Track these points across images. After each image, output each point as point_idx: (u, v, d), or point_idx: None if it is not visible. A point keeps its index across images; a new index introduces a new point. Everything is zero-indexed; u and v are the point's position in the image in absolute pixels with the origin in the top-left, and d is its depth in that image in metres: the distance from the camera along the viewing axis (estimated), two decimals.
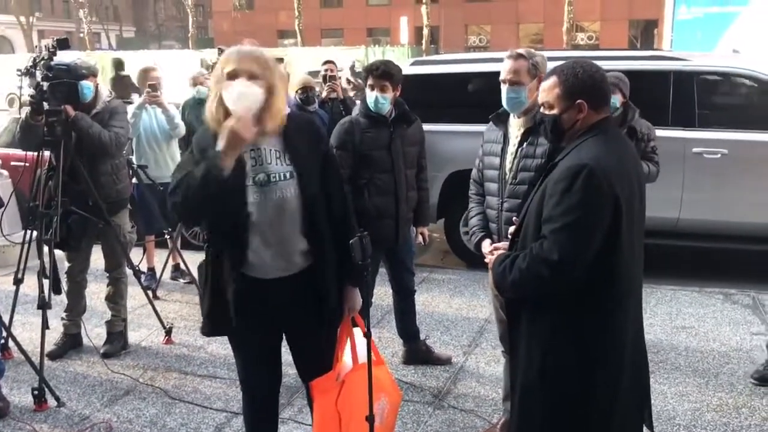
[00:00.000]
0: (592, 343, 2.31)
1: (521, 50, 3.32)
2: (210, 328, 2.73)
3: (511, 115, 3.31)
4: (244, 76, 2.42)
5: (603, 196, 2.19)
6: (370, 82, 3.93)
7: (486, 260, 2.79)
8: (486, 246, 3.17)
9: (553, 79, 2.38)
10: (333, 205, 2.67)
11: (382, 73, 3.91)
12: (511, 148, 3.26)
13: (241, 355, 2.83)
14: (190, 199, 2.40)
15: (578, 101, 2.33)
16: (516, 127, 3.27)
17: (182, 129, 5.94)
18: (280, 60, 7.29)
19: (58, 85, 4.16)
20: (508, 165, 3.26)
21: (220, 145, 2.35)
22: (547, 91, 2.41)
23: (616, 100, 4.57)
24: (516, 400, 2.50)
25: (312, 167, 2.60)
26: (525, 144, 3.20)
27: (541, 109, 2.46)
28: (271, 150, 2.55)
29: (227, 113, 2.43)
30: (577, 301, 2.28)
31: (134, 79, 6.71)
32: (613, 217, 2.20)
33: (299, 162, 2.57)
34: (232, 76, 2.43)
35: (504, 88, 3.23)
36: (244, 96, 2.39)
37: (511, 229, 2.59)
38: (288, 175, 2.54)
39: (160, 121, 5.85)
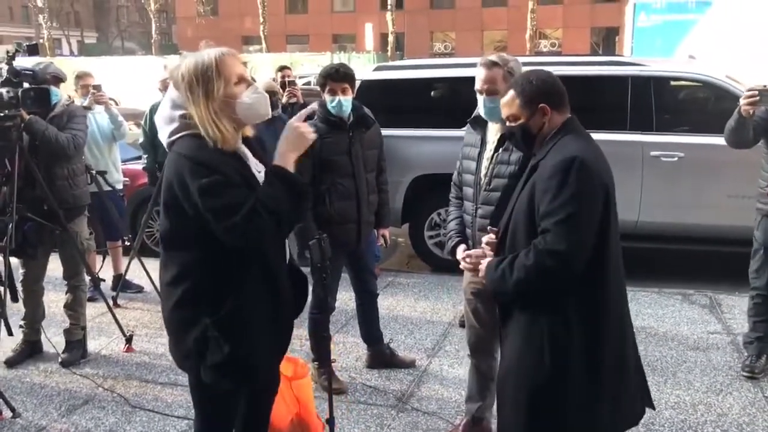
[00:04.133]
0: (593, 340, 2.33)
1: (494, 57, 3.22)
2: None
3: None
4: (250, 80, 2.31)
5: (596, 186, 2.27)
6: (329, 86, 3.91)
7: (461, 266, 2.80)
8: (459, 252, 3.15)
9: (510, 93, 2.48)
10: None
11: (343, 75, 3.91)
12: (488, 153, 3.25)
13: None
14: (284, 220, 2.21)
15: (540, 105, 2.41)
16: (493, 131, 3.25)
17: (126, 130, 5.98)
18: (244, 64, 7.20)
19: (29, 91, 4.12)
20: (483, 170, 3.25)
21: (284, 150, 2.24)
22: (508, 105, 2.49)
23: None
24: (508, 398, 2.48)
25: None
26: (501, 149, 3.19)
27: (506, 123, 2.53)
28: (250, 157, 2.43)
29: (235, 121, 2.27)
30: (574, 299, 2.31)
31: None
32: (604, 207, 2.27)
33: (265, 162, 2.48)
34: (239, 81, 2.27)
35: (481, 98, 3.19)
36: (261, 101, 2.28)
37: (485, 238, 2.60)
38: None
39: (101, 125, 5.83)
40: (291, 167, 2.23)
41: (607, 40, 38.42)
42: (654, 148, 5.94)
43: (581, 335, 2.32)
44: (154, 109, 6.35)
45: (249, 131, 2.39)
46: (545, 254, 2.26)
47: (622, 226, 6.66)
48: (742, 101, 3.90)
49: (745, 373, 4.21)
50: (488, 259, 2.53)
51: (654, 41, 16.12)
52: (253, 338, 2.31)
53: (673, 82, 6.51)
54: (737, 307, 5.29)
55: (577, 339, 2.31)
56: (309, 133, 2.28)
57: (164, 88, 6.43)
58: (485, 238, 2.60)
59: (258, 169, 2.35)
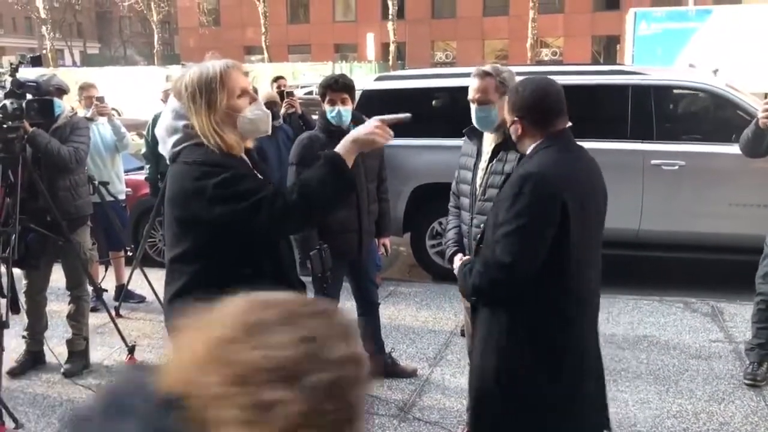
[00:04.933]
0: (548, 347, 2.35)
1: (487, 68, 3.27)
2: None
3: None
4: (253, 94, 2.29)
5: (550, 201, 2.27)
6: (329, 97, 3.93)
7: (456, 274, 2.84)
8: (456, 261, 3.17)
9: (506, 97, 2.56)
10: None
11: (343, 85, 3.94)
12: (483, 164, 3.28)
13: None
14: (314, 201, 2.17)
15: (517, 117, 2.43)
16: (488, 141, 3.28)
17: (129, 141, 5.98)
18: (246, 74, 7.22)
19: (32, 102, 4.15)
20: (479, 180, 3.28)
21: (349, 144, 2.24)
22: (503, 108, 2.57)
23: None
24: (471, 404, 2.54)
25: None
26: (495, 160, 3.21)
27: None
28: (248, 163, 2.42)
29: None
30: (530, 306, 2.34)
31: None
32: (562, 222, 2.26)
33: (265, 173, 2.49)
34: (241, 94, 2.26)
35: (473, 107, 3.22)
36: (265, 120, 2.27)
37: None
38: None
39: (104, 136, 5.85)
40: (350, 159, 2.22)
41: (608, 48, 38.51)
42: (655, 157, 5.94)
43: (537, 344, 2.35)
44: (156, 120, 6.38)
45: (250, 143, 2.39)
46: (491, 265, 2.33)
47: (622, 235, 6.67)
48: (760, 114, 4.00)
49: (747, 381, 4.21)
50: (460, 260, 2.60)
51: (654, 50, 16.17)
52: None
53: (673, 91, 6.53)
54: (739, 316, 5.29)
55: (531, 347, 2.34)
56: (384, 136, 2.27)
57: (167, 98, 6.46)
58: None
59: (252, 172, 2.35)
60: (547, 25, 36.15)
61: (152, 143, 6.03)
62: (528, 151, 2.44)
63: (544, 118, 2.41)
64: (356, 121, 4.04)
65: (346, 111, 3.95)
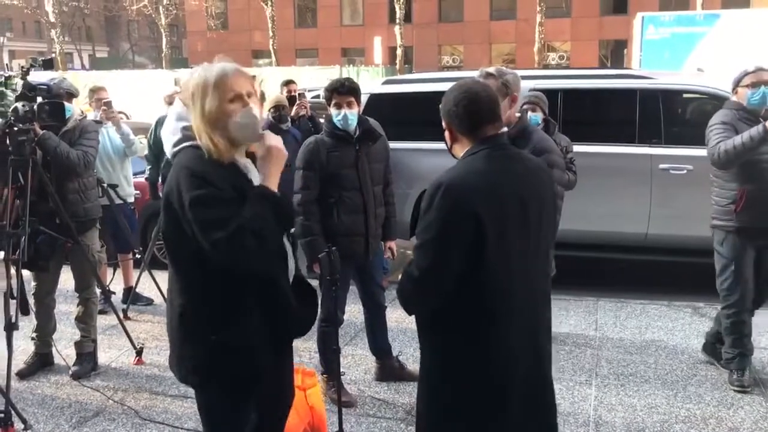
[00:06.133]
0: (462, 369, 2.27)
1: (491, 69, 3.31)
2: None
3: None
4: (247, 99, 2.27)
5: (459, 213, 2.17)
6: (335, 100, 3.93)
7: None
8: None
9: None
10: None
11: (348, 89, 3.94)
12: None
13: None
14: (270, 242, 2.19)
15: (445, 122, 2.39)
16: None
17: (138, 147, 5.98)
18: (253, 78, 7.25)
19: (44, 105, 4.18)
20: None
21: (269, 171, 2.25)
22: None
23: (538, 117, 4.88)
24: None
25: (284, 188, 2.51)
26: None
27: None
28: (246, 165, 2.40)
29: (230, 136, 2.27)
30: (445, 322, 2.27)
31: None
32: (476, 234, 2.16)
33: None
34: (234, 99, 2.26)
35: None
36: (253, 126, 2.26)
37: None
38: None
39: (113, 140, 5.87)
40: (275, 187, 2.24)
41: (616, 53, 38.41)
42: (663, 161, 5.94)
43: (457, 358, 2.27)
44: (160, 123, 6.42)
45: (254, 147, 2.35)
46: (405, 276, 2.29)
47: (630, 239, 6.66)
48: None
49: (735, 388, 4.20)
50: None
51: (662, 54, 16.12)
52: (258, 358, 2.31)
53: (681, 95, 6.52)
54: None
55: (452, 361, 2.28)
56: (282, 148, 2.29)
57: (170, 102, 6.49)
58: None
59: (252, 177, 2.33)
60: (555, 29, 36.10)
61: (155, 146, 6.06)
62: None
63: (472, 124, 2.32)
64: (363, 124, 4.06)
65: (352, 114, 3.95)
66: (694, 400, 4.09)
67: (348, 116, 3.94)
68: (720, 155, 4.03)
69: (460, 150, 2.36)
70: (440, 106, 2.39)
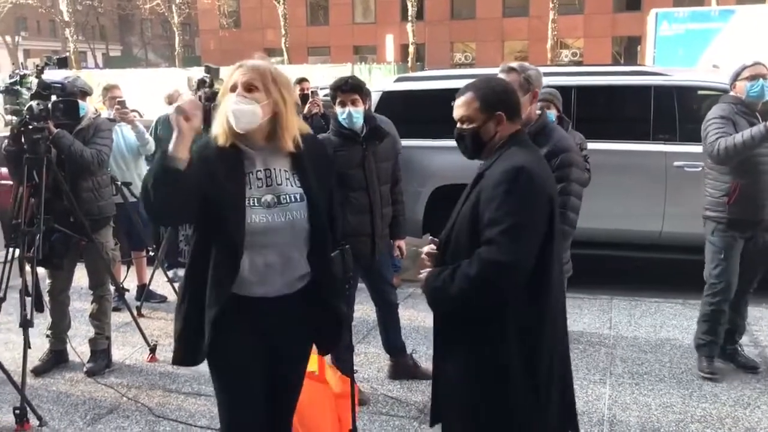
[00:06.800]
0: (533, 350, 2.30)
1: (514, 64, 3.29)
2: (182, 355, 2.50)
3: None
4: (243, 89, 2.37)
5: (541, 197, 2.23)
6: (340, 98, 3.90)
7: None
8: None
9: (469, 95, 2.42)
10: (334, 227, 2.65)
11: (352, 86, 3.91)
12: None
13: (228, 389, 2.54)
14: (151, 193, 2.27)
15: (497, 113, 2.38)
16: None
17: (152, 145, 5.99)
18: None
19: (58, 103, 4.21)
20: None
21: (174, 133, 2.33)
22: (464, 106, 2.43)
23: (552, 114, 4.80)
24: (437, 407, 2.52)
25: (322, 191, 2.53)
26: None
27: (458, 125, 2.46)
28: (281, 170, 2.47)
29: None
30: (518, 307, 2.27)
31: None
32: (548, 219, 2.23)
33: (310, 185, 2.49)
34: (233, 88, 2.40)
35: None
36: (239, 113, 2.34)
37: (426, 248, 2.50)
38: (299, 197, 2.47)
39: (127, 138, 5.90)
40: (173, 146, 2.29)
41: (629, 49, 38.16)
42: (678, 159, 5.88)
43: (519, 350, 2.27)
44: (160, 121, 6.46)
45: (287, 145, 2.46)
46: (488, 264, 2.18)
47: (645, 237, 6.63)
48: None
49: (705, 375, 4.28)
50: (429, 270, 2.45)
51: (676, 50, 15.97)
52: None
53: (696, 92, 6.45)
54: (764, 319, 5.22)
55: (516, 355, 2.27)
56: (184, 106, 2.33)
57: (170, 102, 6.53)
58: (425, 248, 2.51)
59: (258, 168, 2.45)
60: (567, 26, 35.93)
61: (157, 144, 6.06)
62: (494, 152, 2.40)
63: (518, 112, 2.45)
64: (370, 122, 4.03)
65: (357, 112, 3.91)
66: (710, 400, 4.05)
67: (353, 114, 3.90)
68: (720, 152, 4.07)
69: (500, 138, 2.39)
70: (489, 95, 2.39)
